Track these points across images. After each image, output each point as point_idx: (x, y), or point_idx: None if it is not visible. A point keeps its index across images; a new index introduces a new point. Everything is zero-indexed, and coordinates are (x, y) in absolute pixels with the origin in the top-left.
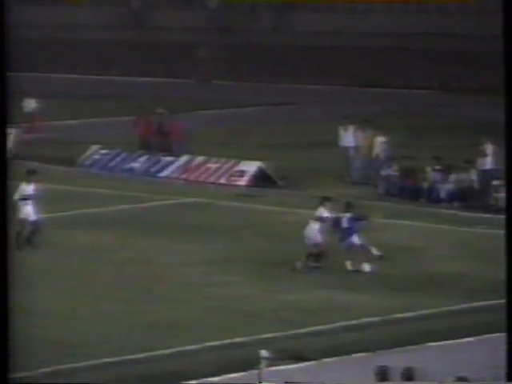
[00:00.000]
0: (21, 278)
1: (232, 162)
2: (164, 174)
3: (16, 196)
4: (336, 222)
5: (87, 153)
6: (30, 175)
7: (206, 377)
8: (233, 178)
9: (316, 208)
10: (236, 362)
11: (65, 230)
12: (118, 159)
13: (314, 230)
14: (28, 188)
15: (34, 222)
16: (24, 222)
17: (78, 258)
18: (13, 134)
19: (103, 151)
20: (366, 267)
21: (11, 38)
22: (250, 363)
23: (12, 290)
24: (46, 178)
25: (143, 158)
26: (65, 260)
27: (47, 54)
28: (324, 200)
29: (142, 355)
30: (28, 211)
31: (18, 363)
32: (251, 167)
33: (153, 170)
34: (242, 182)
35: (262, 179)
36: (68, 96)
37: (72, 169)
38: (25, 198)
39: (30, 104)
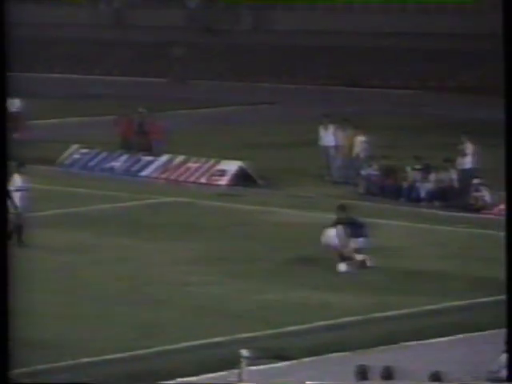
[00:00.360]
0: None
1: (212, 161)
2: (144, 173)
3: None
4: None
5: (67, 152)
6: (21, 167)
7: (186, 376)
8: (213, 178)
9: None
10: (216, 361)
11: (44, 229)
12: (99, 158)
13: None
14: (19, 180)
15: (18, 217)
16: (21, 215)
17: (57, 257)
18: None
19: (83, 150)
20: (342, 267)
21: None
22: (230, 362)
23: None
24: (27, 177)
25: (124, 158)
26: (44, 259)
27: (26, 54)
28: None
29: (121, 355)
30: (23, 204)
31: None
32: (232, 167)
33: (133, 169)
34: (223, 181)
35: (242, 179)
36: (47, 95)
37: (52, 168)
38: (18, 190)
39: (15, 104)
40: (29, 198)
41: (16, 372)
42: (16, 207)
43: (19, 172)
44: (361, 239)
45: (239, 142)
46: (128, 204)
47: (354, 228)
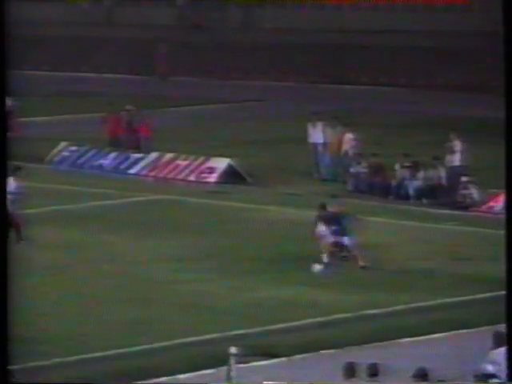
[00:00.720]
0: None
1: (201, 158)
2: (133, 171)
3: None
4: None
5: (56, 150)
6: (17, 171)
7: (176, 374)
8: (202, 175)
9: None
10: (205, 358)
11: (34, 226)
12: (87, 156)
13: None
14: (13, 184)
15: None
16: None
17: (46, 254)
18: None
19: (72, 148)
20: (316, 267)
21: None
22: (219, 360)
23: None
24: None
25: (112, 155)
26: (33, 257)
27: (15, 51)
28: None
29: (110, 352)
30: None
31: None
32: (221, 164)
33: (122, 167)
34: (212, 178)
35: (231, 176)
36: (35, 93)
37: (41, 166)
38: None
39: (8, 102)
40: (22, 201)
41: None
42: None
43: (15, 175)
44: (345, 238)
45: (228, 139)
46: (116, 202)
47: (336, 227)
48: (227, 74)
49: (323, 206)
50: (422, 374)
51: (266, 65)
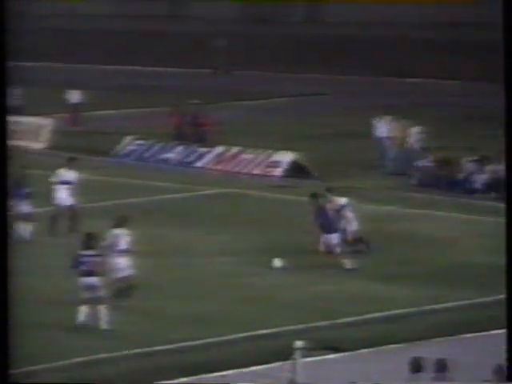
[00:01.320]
0: (44, 267)
1: (266, 152)
2: (199, 164)
3: (53, 180)
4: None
5: (122, 143)
6: (71, 162)
7: (241, 367)
8: (267, 169)
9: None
10: (271, 352)
11: (96, 220)
12: (153, 150)
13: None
14: (67, 174)
15: (71, 207)
16: (59, 207)
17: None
18: (53, 125)
19: (138, 142)
20: (276, 263)
21: (47, 29)
22: (285, 354)
23: (41, 278)
24: (82, 168)
25: (178, 149)
26: None
27: (81, 46)
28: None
29: (173, 346)
30: (64, 196)
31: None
32: (285, 158)
33: (187, 160)
34: (276, 172)
35: (296, 170)
36: (103, 87)
37: (107, 159)
38: (62, 183)
39: (74, 95)
40: (74, 191)
41: (76, 361)
42: (57, 199)
43: (68, 166)
44: (333, 235)
45: (293, 133)
46: (181, 195)
47: (326, 222)
48: (291, 68)
49: (315, 196)
50: (499, 370)
51: (330, 58)
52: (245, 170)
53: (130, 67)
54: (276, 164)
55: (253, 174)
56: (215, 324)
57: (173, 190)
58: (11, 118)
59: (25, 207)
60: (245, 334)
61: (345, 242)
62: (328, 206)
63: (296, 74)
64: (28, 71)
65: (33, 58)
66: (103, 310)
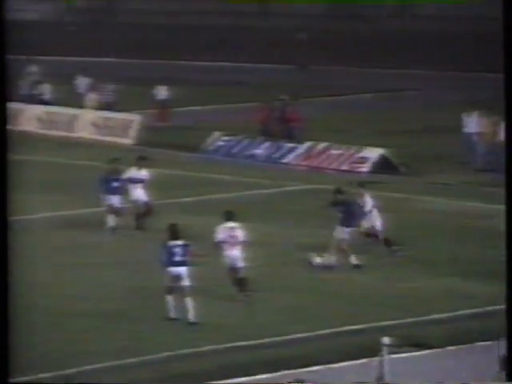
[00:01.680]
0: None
1: (354, 148)
2: (286, 160)
3: (126, 177)
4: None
5: (210, 139)
6: (141, 161)
7: (328, 363)
8: (355, 165)
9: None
10: (358, 348)
11: (187, 215)
12: (241, 145)
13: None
14: (139, 173)
15: (147, 204)
16: (137, 203)
17: (198, 242)
18: (141, 121)
19: (226, 137)
20: (316, 259)
21: (138, 25)
22: (372, 350)
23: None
24: (169, 164)
25: (265, 145)
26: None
27: (174, 41)
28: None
29: (265, 340)
30: (138, 194)
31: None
32: (373, 154)
33: (275, 156)
34: (364, 168)
35: (383, 166)
36: (191, 82)
37: (195, 155)
38: (134, 181)
39: (162, 91)
40: (145, 189)
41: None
42: (132, 196)
43: (139, 164)
44: (347, 229)
45: (381, 128)
46: (269, 191)
47: (346, 215)
48: (382, 63)
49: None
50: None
51: (422, 54)
52: (332, 166)
53: (218, 63)
54: (363, 160)
55: (340, 170)
56: (303, 319)
57: (261, 186)
58: (102, 114)
59: (115, 200)
60: (333, 330)
61: (361, 234)
62: (354, 200)
63: (384, 70)
64: (119, 68)
65: (124, 55)
66: (190, 302)
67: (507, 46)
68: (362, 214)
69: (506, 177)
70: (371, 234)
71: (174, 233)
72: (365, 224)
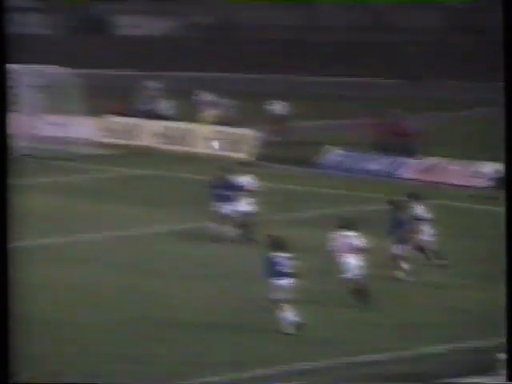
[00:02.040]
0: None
1: (471, 163)
2: (401, 174)
3: (236, 185)
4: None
5: (324, 153)
6: (246, 168)
7: (443, 378)
8: (471, 180)
9: None
10: (472, 365)
11: (299, 229)
12: (355, 160)
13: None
14: (247, 184)
15: (253, 214)
16: (241, 214)
17: (308, 257)
18: (255, 136)
19: (339, 152)
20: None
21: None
22: (488, 367)
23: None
24: (283, 178)
25: (381, 159)
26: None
27: (278, 55)
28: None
29: (388, 355)
30: (244, 205)
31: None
32: (490, 168)
33: (390, 170)
34: (481, 183)
35: (500, 181)
36: (305, 97)
37: (310, 169)
38: (241, 191)
39: (276, 106)
40: (254, 200)
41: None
42: (238, 207)
43: (247, 175)
44: (400, 246)
45: (497, 143)
46: (380, 207)
47: (399, 226)
48: (494, 77)
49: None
50: None
51: None
52: (449, 181)
53: (331, 78)
54: (480, 174)
55: (456, 185)
56: (425, 335)
57: (374, 201)
58: (216, 128)
59: (226, 208)
60: (447, 346)
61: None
62: (404, 214)
63: (499, 83)
64: (237, 82)
65: (233, 69)
66: (292, 312)
67: (507, 46)
68: (411, 229)
69: (506, 177)
70: (422, 248)
71: (280, 245)
72: (414, 236)
